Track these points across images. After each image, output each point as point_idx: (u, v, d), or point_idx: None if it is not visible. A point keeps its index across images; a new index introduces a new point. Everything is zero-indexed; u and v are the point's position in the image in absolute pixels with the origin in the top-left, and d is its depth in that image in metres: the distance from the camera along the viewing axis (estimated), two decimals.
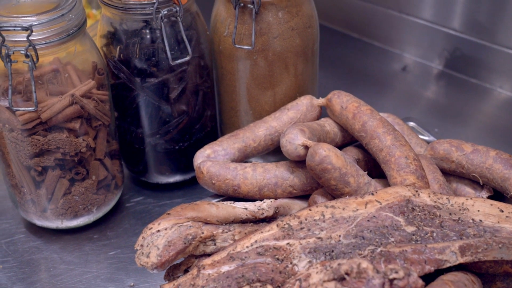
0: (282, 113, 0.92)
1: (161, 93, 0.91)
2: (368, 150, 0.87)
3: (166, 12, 0.84)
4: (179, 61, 0.87)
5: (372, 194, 0.76)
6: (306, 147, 0.82)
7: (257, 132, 0.91)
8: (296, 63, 0.94)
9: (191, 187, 1.01)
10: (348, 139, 0.93)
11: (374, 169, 0.90)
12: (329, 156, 0.78)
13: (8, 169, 0.86)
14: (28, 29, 0.75)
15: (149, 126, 0.94)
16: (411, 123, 1.00)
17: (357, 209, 0.74)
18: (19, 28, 0.75)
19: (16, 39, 0.76)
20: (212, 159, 0.88)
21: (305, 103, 0.93)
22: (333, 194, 0.81)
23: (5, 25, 0.75)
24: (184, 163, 0.98)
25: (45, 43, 0.77)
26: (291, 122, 0.91)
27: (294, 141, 0.82)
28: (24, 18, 0.76)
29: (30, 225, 0.93)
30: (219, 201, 0.85)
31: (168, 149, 0.96)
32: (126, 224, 0.94)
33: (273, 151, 0.96)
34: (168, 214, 0.77)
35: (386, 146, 0.84)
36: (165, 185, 1.00)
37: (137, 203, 0.98)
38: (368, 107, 0.88)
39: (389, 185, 0.83)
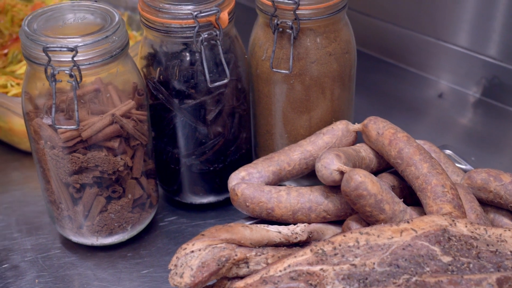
0: (318, 138, 0.92)
1: (198, 114, 0.92)
2: (404, 177, 0.86)
3: (206, 35, 0.86)
4: (217, 83, 0.88)
5: (408, 222, 0.76)
6: (342, 173, 0.82)
7: (292, 156, 0.91)
8: (332, 88, 0.94)
9: (224, 209, 1.01)
10: (383, 166, 0.92)
11: (409, 196, 0.89)
12: (364, 182, 0.78)
13: (48, 185, 0.88)
14: (74, 50, 0.77)
15: (185, 146, 0.95)
16: (448, 151, 0.99)
17: (392, 237, 0.74)
18: (65, 49, 0.77)
19: (61, 59, 0.78)
20: (247, 182, 0.89)
21: (340, 128, 0.93)
22: (367, 220, 0.81)
23: (51, 45, 0.77)
24: (218, 184, 0.99)
25: (89, 64, 0.80)
26: (326, 147, 0.92)
27: (330, 166, 0.82)
28: (70, 39, 0.78)
29: (66, 240, 0.94)
30: (252, 223, 0.86)
31: (203, 170, 0.97)
32: (159, 243, 0.95)
33: (307, 175, 0.96)
34: (202, 235, 0.77)
35: (422, 173, 0.83)
36: (199, 205, 1.01)
37: (171, 222, 0.99)
38: (405, 133, 0.88)
39: (425, 214, 0.82)
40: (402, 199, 0.83)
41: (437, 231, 0.74)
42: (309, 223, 0.85)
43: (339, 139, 0.92)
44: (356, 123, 0.93)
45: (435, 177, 0.82)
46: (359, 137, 0.94)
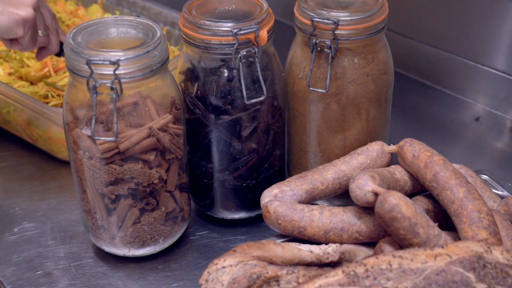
0: (352, 158, 0.92)
1: (234, 130, 0.93)
2: (439, 201, 0.85)
3: (245, 52, 0.87)
4: (253, 100, 0.89)
5: (442, 247, 0.75)
6: (376, 194, 0.81)
7: (326, 175, 0.91)
8: (368, 108, 0.94)
9: (255, 225, 1.01)
10: (418, 188, 0.91)
11: (444, 221, 0.88)
12: (399, 205, 0.77)
13: (84, 194, 0.90)
14: (115, 63, 0.78)
15: (219, 162, 0.95)
16: (484, 176, 0.97)
17: (426, 262, 0.73)
18: (107, 62, 0.78)
19: (103, 72, 0.80)
20: (279, 199, 0.89)
21: (375, 149, 0.92)
22: (401, 243, 0.80)
23: (94, 58, 0.79)
24: (250, 200, 0.99)
25: (130, 78, 0.81)
26: (361, 167, 0.91)
27: (364, 187, 0.81)
28: (112, 53, 0.80)
29: (98, 250, 0.96)
30: (284, 241, 0.85)
31: (236, 186, 0.97)
32: (189, 257, 0.96)
33: (340, 195, 0.95)
34: (234, 251, 0.78)
35: (458, 198, 0.82)
36: (230, 221, 1.01)
37: (202, 236, 1.00)
38: (441, 157, 0.87)
39: (460, 239, 0.81)
40: (437, 223, 0.82)
41: (472, 257, 0.73)
42: (341, 243, 0.85)
43: (373, 160, 0.92)
44: (391, 145, 0.92)
45: (471, 202, 0.81)
46: (394, 159, 0.94)
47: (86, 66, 0.79)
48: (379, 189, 0.81)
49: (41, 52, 1.02)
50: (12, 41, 0.98)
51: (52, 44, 1.01)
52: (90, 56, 0.80)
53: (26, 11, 0.94)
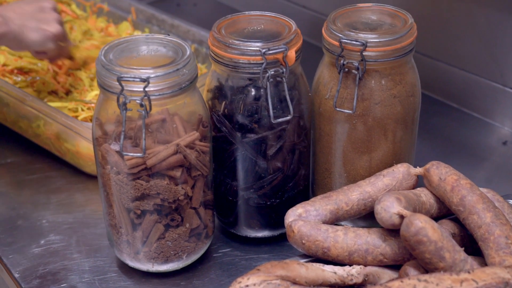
0: (378, 179, 0.92)
1: (259, 149, 0.93)
2: (465, 225, 0.85)
3: (272, 72, 0.88)
4: (280, 119, 0.89)
5: (469, 272, 0.74)
6: (402, 217, 0.81)
7: (351, 196, 0.91)
8: (395, 130, 0.94)
9: (278, 244, 1.01)
10: (444, 212, 0.91)
11: (470, 245, 0.87)
12: (425, 228, 0.77)
13: (110, 209, 0.91)
14: (146, 80, 0.80)
15: (244, 180, 0.96)
16: None
17: (452, 286, 0.72)
18: (138, 80, 0.80)
19: (133, 89, 0.81)
20: (304, 219, 0.89)
21: (401, 171, 0.92)
22: (426, 267, 0.79)
23: (125, 75, 0.80)
24: (274, 219, 0.99)
25: (159, 95, 0.82)
26: (386, 189, 0.91)
27: (390, 209, 0.81)
28: (142, 70, 0.82)
29: (122, 265, 0.96)
30: (307, 261, 0.85)
31: (260, 204, 0.98)
32: (212, 274, 0.96)
33: (364, 216, 0.95)
34: (258, 269, 0.78)
35: (485, 223, 0.81)
36: (253, 239, 1.01)
37: (225, 254, 1.00)
38: (468, 181, 0.86)
39: (486, 264, 0.80)
40: (463, 248, 0.81)
41: (499, 283, 0.72)
42: (365, 265, 0.84)
43: (399, 182, 0.91)
44: (417, 167, 0.92)
45: (499, 228, 0.80)
46: (420, 181, 0.93)
47: (117, 83, 0.80)
48: (405, 212, 0.80)
49: (55, 58, 1.17)
50: (39, 53, 1.10)
51: (66, 51, 1.17)
52: (121, 73, 0.81)
53: (55, 28, 1.06)
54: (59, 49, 1.12)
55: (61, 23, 1.10)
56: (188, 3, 1.76)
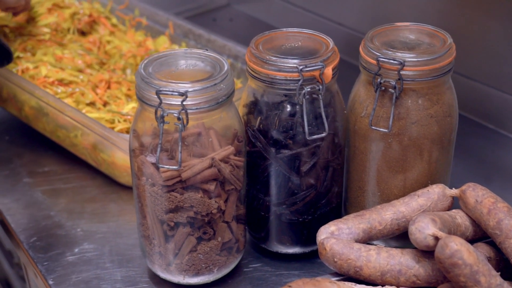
0: (412, 199, 0.91)
1: (293, 165, 0.93)
2: (502, 249, 0.83)
3: (309, 89, 0.88)
4: (315, 136, 0.89)
5: None
6: (436, 238, 0.80)
7: (384, 215, 0.90)
8: (431, 150, 0.93)
9: (309, 261, 1.00)
10: (479, 235, 0.89)
11: (506, 270, 0.85)
12: (460, 251, 0.76)
13: (144, 220, 0.92)
14: (184, 94, 0.81)
15: (277, 195, 0.96)
16: None
17: None
18: (176, 93, 0.81)
19: (171, 103, 0.82)
20: (336, 237, 0.88)
21: (436, 192, 0.91)
22: None
23: (164, 89, 0.81)
24: (305, 235, 0.99)
25: (196, 109, 0.83)
26: (421, 210, 0.90)
27: (424, 230, 0.80)
28: (180, 84, 0.83)
29: (154, 276, 0.97)
30: (339, 280, 0.85)
31: (292, 220, 0.97)
32: None
33: (397, 236, 0.94)
34: (289, 286, 0.77)
35: None
36: (284, 255, 1.01)
37: (255, 269, 1.00)
38: (505, 204, 0.85)
39: None
40: (499, 273, 0.80)
41: None
42: (398, 286, 0.83)
43: (434, 203, 0.90)
44: (453, 188, 0.91)
45: None
46: (455, 203, 0.92)
47: (155, 96, 0.82)
48: (440, 233, 0.79)
49: (19, 12, 1.26)
50: (8, 8, 1.20)
51: (28, 3, 1.26)
52: (159, 86, 0.82)
53: None
54: (26, 4, 1.23)
55: None
56: (224, 18, 1.78)
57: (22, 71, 1.26)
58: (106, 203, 1.13)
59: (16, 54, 1.30)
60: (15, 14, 1.28)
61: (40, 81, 1.23)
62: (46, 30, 1.37)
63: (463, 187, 0.88)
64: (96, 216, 1.10)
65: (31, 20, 1.38)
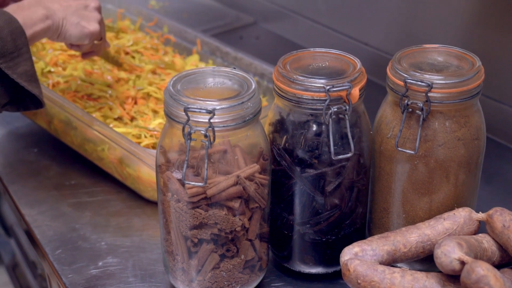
0: (438, 222, 0.90)
1: (318, 184, 0.93)
2: None
3: (335, 109, 0.88)
4: (341, 156, 0.89)
5: None
6: (462, 263, 0.79)
7: (409, 238, 0.90)
8: (457, 173, 0.92)
9: (332, 282, 1.00)
10: (506, 260, 0.88)
11: None
12: (487, 276, 0.74)
13: (168, 235, 0.92)
14: (211, 112, 0.82)
15: (301, 214, 0.96)
16: None
17: None
18: (204, 111, 0.82)
19: (198, 120, 0.83)
20: (360, 258, 0.88)
21: (463, 215, 0.90)
22: None
23: (192, 106, 0.82)
24: (328, 256, 0.98)
25: (223, 127, 0.84)
26: (446, 233, 0.89)
27: (450, 254, 0.79)
28: (208, 102, 0.84)
29: None
30: None
31: (315, 240, 0.97)
32: None
33: (422, 259, 0.93)
34: None
35: None
36: (306, 274, 1.01)
37: None
38: None
39: None
40: None
41: None
42: None
43: (460, 226, 0.89)
44: (480, 212, 0.90)
45: None
46: (481, 227, 0.91)
47: (183, 113, 0.83)
48: (466, 258, 0.78)
49: (88, 54, 1.22)
50: (73, 45, 1.16)
51: (100, 50, 1.22)
52: (187, 103, 0.83)
53: (94, 27, 1.12)
54: (93, 46, 1.18)
55: (101, 23, 1.15)
56: (251, 36, 1.79)
57: (53, 85, 1.29)
58: (130, 217, 1.14)
59: (47, 68, 1.33)
60: (83, 55, 1.23)
61: (70, 95, 1.26)
62: None
63: (490, 212, 0.87)
64: (121, 230, 1.11)
65: None
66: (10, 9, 1.03)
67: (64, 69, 1.34)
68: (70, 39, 1.11)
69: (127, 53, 1.42)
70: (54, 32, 1.09)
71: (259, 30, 1.81)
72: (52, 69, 1.33)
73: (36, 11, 1.03)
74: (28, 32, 1.01)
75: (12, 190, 1.20)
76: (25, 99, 1.04)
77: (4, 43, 0.97)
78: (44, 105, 1.06)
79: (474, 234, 0.90)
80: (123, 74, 1.34)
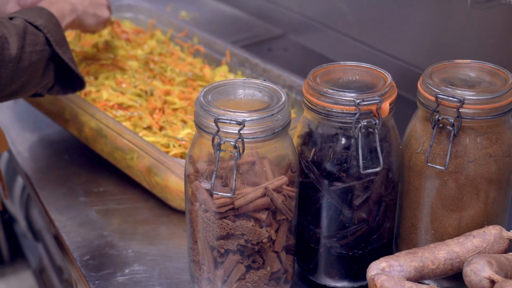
0: (467, 240, 0.89)
1: (345, 198, 0.93)
2: None
3: (365, 123, 0.88)
4: (369, 170, 0.89)
5: None
6: (492, 281, 0.77)
7: (437, 254, 0.89)
8: (488, 190, 0.91)
9: None
10: None
11: None
12: None
13: (195, 245, 0.93)
14: (241, 123, 0.82)
15: (328, 228, 0.95)
16: None
17: None
18: (234, 122, 0.82)
19: (228, 131, 0.84)
20: (387, 273, 0.87)
21: (493, 233, 0.89)
22: None
23: (222, 117, 0.83)
24: (354, 270, 0.98)
25: (252, 138, 0.84)
26: (476, 251, 0.88)
27: (480, 272, 0.78)
28: (238, 114, 0.84)
29: None
30: None
31: (342, 254, 0.97)
32: None
33: (450, 276, 0.92)
34: None
35: None
36: None
37: None
38: None
39: None
40: None
41: None
42: None
43: (490, 244, 0.88)
44: (511, 230, 0.88)
45: None
46: None
47: (213, 124, 0.83)
48: (496, 277, 0.77)
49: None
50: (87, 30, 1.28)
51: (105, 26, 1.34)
52: (218, 114, 0.84)
53: (107, 13, 1.28)
54: (103, 28, 1.31)
55: (109, 7, 1.31)
56: (279, 48, 1.80)
57: (85, 94, 1.31)
58: (157, 225, 1.15)
59: None
60: (92, 33, 1.36)
61: (101, 104, 1.28)
62: (110, 55, 1.42)
63: None
64: (147, 238, 1.12)
65: (101, 47, 1.44)
66: (44, 4, 1.16)
67: (96, 78, 1.36)
68: (89, 28, 1.26)
69: (155, 63, 1.44)
70: (77, 24, 1.21)
71: (288, 42, 1.82)
72: (85, 78, 1.35)
73: (64, 6, 1.17)
74: (62, 24, 1.15)
75: (42, 195, 1.22)
76: (68, 83, 1.17)
77: (53, 32, 1.10)
78: (85, 86, 1.19)
79: (504, 252, 0.89)
80: (158, 83, 1.35)
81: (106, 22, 1.30)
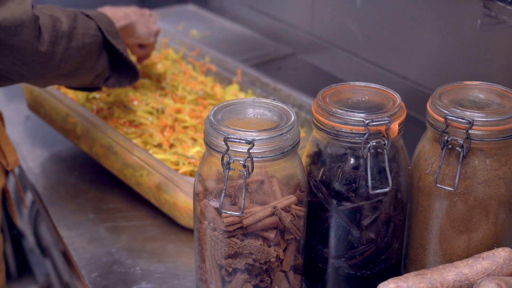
0: (476, 261, 0.88)
1: (354, 218, 0.93)
2: None
3: (374, 143, 0.88)
4: (378, 191, 0.89)
5: None
6: None
7: (446, 276, 0.88)
8: (497, 212, 0.91)
9: None
10: None
11: None
12: None
13: (202, 263, 0.93)
14: (251, 143, 0.83)
15: (336, 247, 0.95)
16: None
17: None
18: (243, 141, 0.83)
19: (238, 150, 0.84)
20: None
21: (502, 256, 0.88)
22: None
23: (232, 136, 0.84)
24: None
25: (261, 157, 0.85)
26: (485, 273, 0.87)
27: None
28: (247, 133, 0.85)
29: None
30: None
31: (350, 274, 0.96)
32: None
33: None
34: None
35: None
36: None
37: None
38: None
39: None
40: None
41: None
42: None
43: (500, 267, 0.87)
44: None
45: None
46: None
47: (223, 142, 0.84)
48: None
49: (142, 59, 1.39)
50: (141, 47, 1.33)
51: (149, 54, 1.39)
52: (227, 133, 0.85)
53: (157, 26, 1.35)
54: (152, 48, 1.36)
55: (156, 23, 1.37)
56: (289, 67, 1.81)
57: (97, 111, 1.32)
58: (165, 243, 1.15)
59: (92, 95, 1.36)
60: (139, 60, 1.39)
61: (112, 122, 1.29)
62: None
63: None
64: (155, 256, 1.12)
65: None
66: (98, 9, 1.23)
67: (108, 95, 1.37)
68: (141, 37, 1.30)
69: (167, 81, 1.45)
70: (130, 31, 1.26)
71: (297, 61, 1.83)
72: (97, 96, 1.36)
73: (118, 11, 1.25)
74: (116, 25, 1.20)
75: (52, 211, 1.23)
76: (122, 74, 1.21)
77: (105, 24, 1.15)
78: (139, 77, 1.23)
79: None
80: (169, 101, 1.36)
81: (157, 34, 1.34)
